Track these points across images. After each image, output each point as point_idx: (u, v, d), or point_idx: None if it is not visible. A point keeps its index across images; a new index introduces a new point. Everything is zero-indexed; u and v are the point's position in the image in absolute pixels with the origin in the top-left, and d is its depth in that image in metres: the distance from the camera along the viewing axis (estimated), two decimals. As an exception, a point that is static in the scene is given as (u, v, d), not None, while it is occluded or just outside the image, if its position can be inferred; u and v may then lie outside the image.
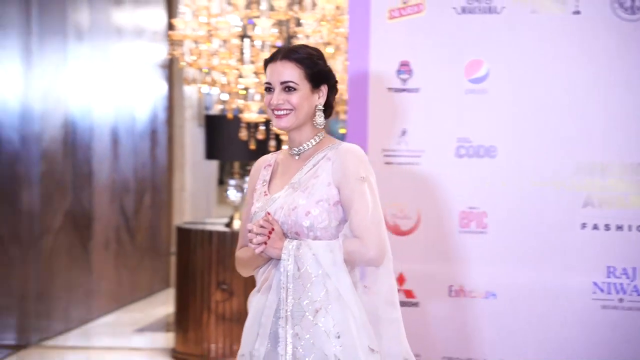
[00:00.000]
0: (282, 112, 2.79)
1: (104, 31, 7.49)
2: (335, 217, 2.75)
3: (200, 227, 6.36)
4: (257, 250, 2.74)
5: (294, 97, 2.78)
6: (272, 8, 5.37)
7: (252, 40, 5.36)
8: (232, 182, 6.41)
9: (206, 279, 6.13)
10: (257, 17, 5.34)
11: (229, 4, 5.42)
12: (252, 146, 5.54)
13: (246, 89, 5.45)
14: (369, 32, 3.80)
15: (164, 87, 8.68)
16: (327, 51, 5.31)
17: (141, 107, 8.19)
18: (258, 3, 5.42)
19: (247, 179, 6.02)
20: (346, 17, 4.69)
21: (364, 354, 2.67)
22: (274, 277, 2.76)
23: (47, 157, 6.61)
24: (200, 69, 5.61)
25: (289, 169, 2.87)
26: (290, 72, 2.79)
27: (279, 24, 5.43)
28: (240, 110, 5.52)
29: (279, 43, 5.44)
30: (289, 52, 2.81)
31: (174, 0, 8.22)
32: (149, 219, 8.45)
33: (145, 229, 8.36)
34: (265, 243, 2.73)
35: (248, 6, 5.46)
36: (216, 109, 6.75)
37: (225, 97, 5.68)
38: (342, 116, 5.84)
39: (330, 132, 10.65)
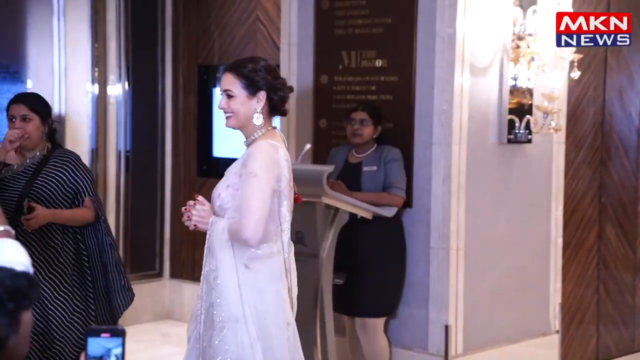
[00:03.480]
0: (227, 115, 2.99)
1: None
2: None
3: None
4: (190, 227, 2.99)
5: (232, 103, 2.97)
6: None
7: None
8: None
9: None
10: None
11: None
12: None
13: None
14: None
15: None
16: None
17: None
18: None
19: None
20: None
21: (237, 319, 2.88)
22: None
23: None
24: None
25: None
26: (229, 82, 2.98)
27: None
28: None
29: None
30: (230, 66, 3.03)
31: None
32: None
33: None
34: (189, 217, 2.95)
35: None
36: None
37: None
38: None
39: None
